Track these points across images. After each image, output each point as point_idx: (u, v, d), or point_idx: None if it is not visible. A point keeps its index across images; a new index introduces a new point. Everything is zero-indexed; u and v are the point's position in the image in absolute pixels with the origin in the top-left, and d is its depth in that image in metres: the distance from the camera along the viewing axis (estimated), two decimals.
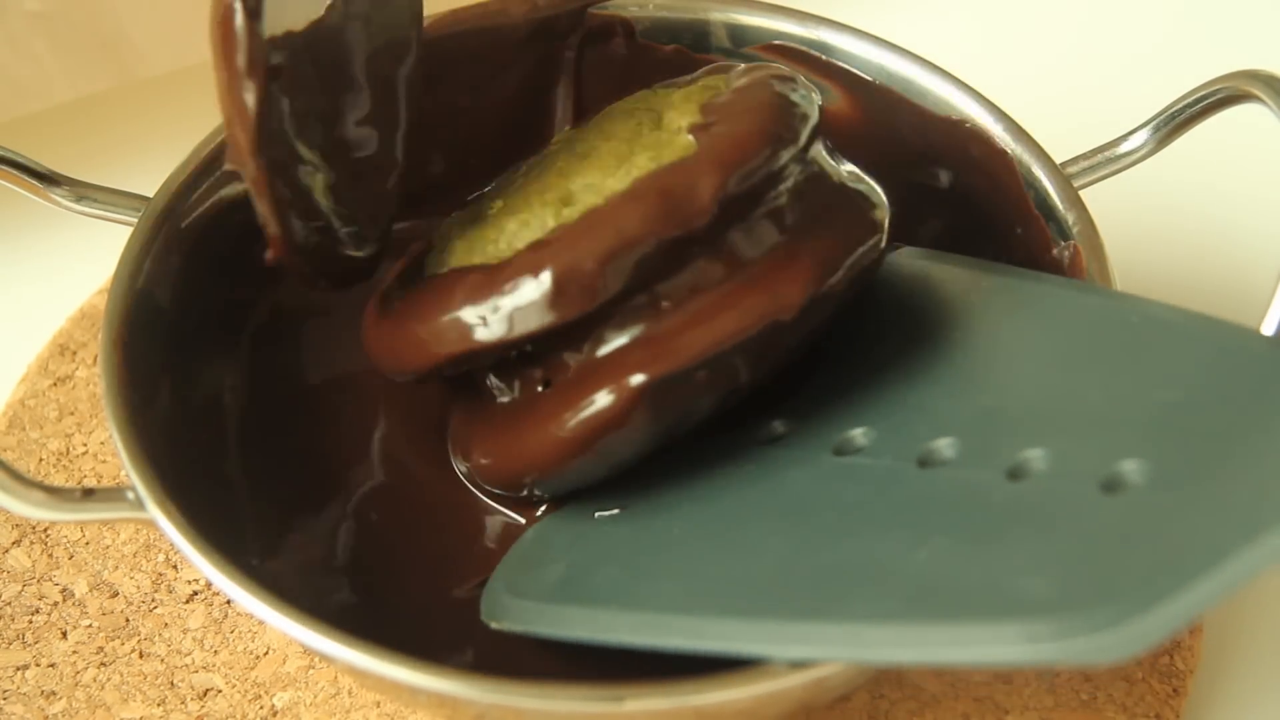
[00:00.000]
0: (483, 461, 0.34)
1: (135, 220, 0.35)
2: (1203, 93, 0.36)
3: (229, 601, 0.37)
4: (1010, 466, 0.29)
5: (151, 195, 0.36)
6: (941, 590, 0.27)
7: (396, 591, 0.35)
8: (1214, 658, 0.36)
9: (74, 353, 0.43)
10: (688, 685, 0.27)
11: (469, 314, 0.32)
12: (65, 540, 0.39)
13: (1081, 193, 0.36)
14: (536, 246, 0.31)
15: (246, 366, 0.38)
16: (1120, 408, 0.29)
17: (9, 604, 0.38)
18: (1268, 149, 0.30)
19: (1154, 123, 0.37)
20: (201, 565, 0.29)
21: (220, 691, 0.36)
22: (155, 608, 0.37)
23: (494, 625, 0.32)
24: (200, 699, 0.36)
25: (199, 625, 0.37)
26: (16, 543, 0.39)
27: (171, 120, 0.45)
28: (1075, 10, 0.54)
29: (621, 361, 0.31)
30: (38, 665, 0.36)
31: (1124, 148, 0.37)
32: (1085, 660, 0.24)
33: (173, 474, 0.31)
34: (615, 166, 0.32)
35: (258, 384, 0.38)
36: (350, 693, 0.36)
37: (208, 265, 0.36)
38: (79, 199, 0.36)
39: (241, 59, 0.30)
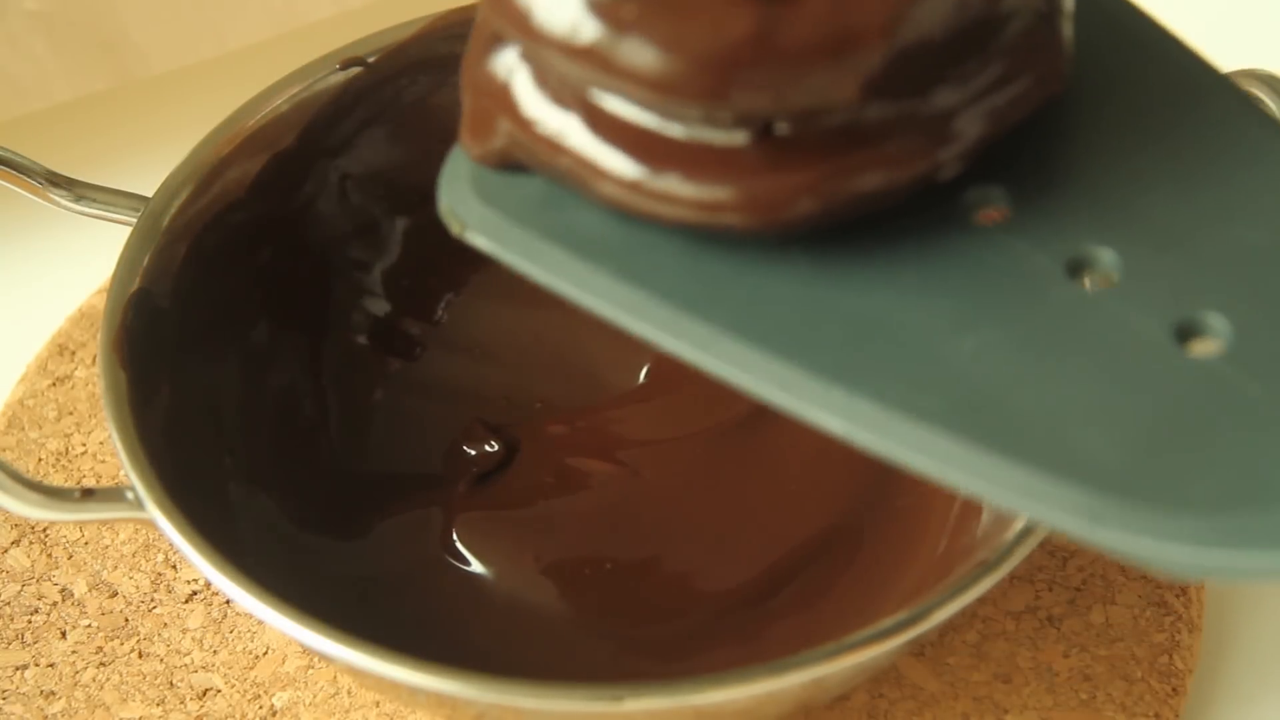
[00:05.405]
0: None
1: (135, 220, 0.35)
2: None
3: (228, 601, 0.37)
4: (1071, 257, 0.25)
5: (151, 195, 0.36)
6: (989, 406, 0.23)
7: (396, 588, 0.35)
8: (1213, 658, 0.36)
9: (73, 353, 0.43)
10: (687, 685, 0.27)
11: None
12: (64, 540, 0.39)
13: None
14: None
15: (246, 366, 0.38)
16: (1209, 237, 0.25)
17: (8, 604, 0.38)
18: None
19: None
20: (201, 565, 0.29)
21: (219, 691, 0.36)
22: (154, 608, 0.37)
23: (455, 230, 0.28)
24: (199, 699, 0.36)
25: (198, 625, 0.37)
26: (16, 543, 0.39)
27: (171, 120, 0.45)
28: None
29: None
30: (37, 665, 0.36)
31: None
32: (1143, 561, 0.21)
33: (173, 474, 0.31)
34: None
35: (258, 383, 0.38)
36: (350, 693, 0.36)
37: (208, 265, 0.36)
38: (78, 199, 0.36)
39: None
